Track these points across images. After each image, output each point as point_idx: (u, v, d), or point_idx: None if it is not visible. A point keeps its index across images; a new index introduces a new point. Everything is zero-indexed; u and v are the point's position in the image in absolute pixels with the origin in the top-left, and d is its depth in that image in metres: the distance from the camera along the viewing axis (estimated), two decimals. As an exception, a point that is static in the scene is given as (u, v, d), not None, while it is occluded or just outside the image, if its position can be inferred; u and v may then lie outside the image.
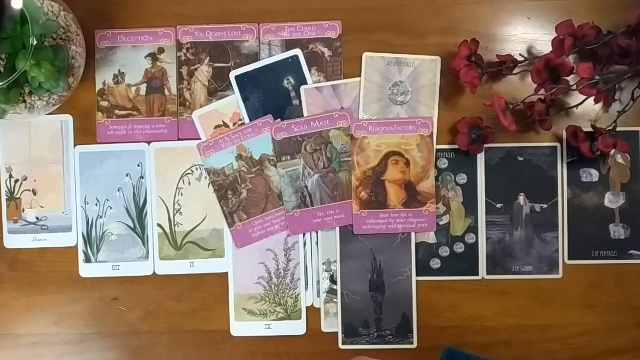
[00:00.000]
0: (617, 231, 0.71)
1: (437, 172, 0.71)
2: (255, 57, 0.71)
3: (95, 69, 0.72)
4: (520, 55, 0.69)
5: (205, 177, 0.72)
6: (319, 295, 0.71)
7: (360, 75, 0.71)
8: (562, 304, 0.71)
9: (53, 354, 0.72)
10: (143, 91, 0.72)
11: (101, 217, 0.72)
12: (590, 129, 0.68)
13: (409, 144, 0.70)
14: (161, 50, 0.72)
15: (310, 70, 0.71)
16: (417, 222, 0.71)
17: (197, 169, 0.72)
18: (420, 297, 0.71)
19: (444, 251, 0.71)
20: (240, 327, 0.72)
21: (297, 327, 0.71)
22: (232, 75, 0.71)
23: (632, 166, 0.71)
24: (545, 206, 0.71)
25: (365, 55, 0.71)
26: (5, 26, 0.56)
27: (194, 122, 0.72)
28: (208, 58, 0.72)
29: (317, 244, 0.71)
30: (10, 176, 0.72)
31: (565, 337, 0.71)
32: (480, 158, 0.71)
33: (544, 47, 0.70)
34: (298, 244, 0.72)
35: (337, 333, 0.71)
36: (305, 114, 0.71)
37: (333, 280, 0.71)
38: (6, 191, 0.72)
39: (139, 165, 0.72)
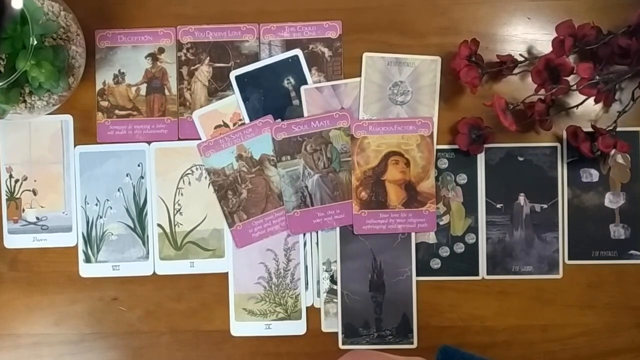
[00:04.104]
0: (617, 231, 0.71)
1: (437, 172, 0.71)
2: (255, 57, 0.71)
3: (95, 68, 0.72)
4: (520, 55, 0.69)
5: (205, 177, 0.72)
6: (319, 295, 0.71)
7: (360, 75, 0.71)
8: (562, 304, 0.71)
9: (53, 354, 0.72)
10: (143, 91, 0.72)
11: (101, 217, 0.72)
12: (590, 129, 0.68)
13: (409, 144, 0.70)
14: (161, 50, 0.72)
15: (310, 70, 0.71)
16: (417, 222, 0.71)
17: (197, 169, 0.72)
18: (420, 297, 0.71)
19: (444, 251, 0.71)
20: (240, 327, 0.72)
21: (297, 327, 0.71)
22: (232, 75, 0.71)
23: (632, 166, 0.71)
24: (545, 206, 0.71)
25: (365, 55, 0.71)
26: (5, 26, 0.56)
27: (194, 122, 0.72)
28: (208, 58, 0.72)
29: (317, 244, 0.71)
30: (10, 176, 0.72)
31: (565, 337, 0.71)
32: (480, 158, 0.71)
33: (544, 47, 0.70)
34: (298, 244, 0.72)
35: (337, 333, 0.71)
36: (305, 114, 0.71)
37: (333, 280, 0.71)
38: (6, 191, 0.72)
39: (139, 165, 0.72)
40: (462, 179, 0.71)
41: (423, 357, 0.55)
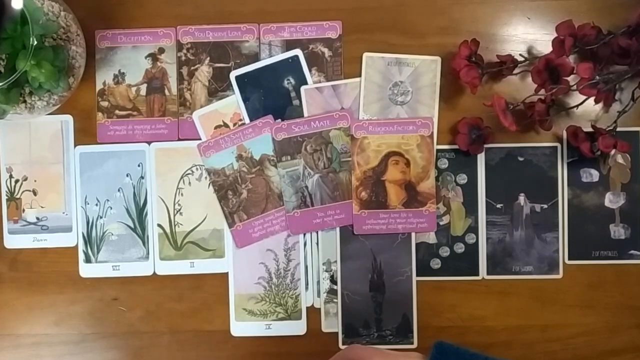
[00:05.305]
0: (617, 231, 0.71)
1: (437, 172, 0.71)
2: (255, 57, 0.71)
3: (95, 69, 0.72)
4: (520, 55, 0.69)
5: (205, 177, 0.72)
6: (319, 295, 0.71)
7: (360, 75, 0.71)
8: (562, 304, 0.71)
9: (53, 354, 0.72)
10: (143, 91, 0.72)
11: (101, 217, 0.72)
12: (590, 129, 0.68)
13: (409, 144, 0.70)
14: (161, 50, 0.72)
15: (310, 70, 0.71)
16: (417, 222, 0.71)
17: (197, 169, 0.72)
18: (420, 297, 0.71)
19: (444, 251, 0.71)
20: (240, 327, 0.72)
21: (297, 327, 0.72)
22: (232, 75, 0.71)
23: (632, 166, 0.71)
24: (545, 206, 0.71)
25: (365, 55, 0.71)
26: (5, 26, 0.56)
27: (194, 122, 0.72)
28: (208, 58, 0.72)
29: (317, 244, 0.71)
30: (10, 176, 0.72)
31: (565, 337, 0.71)
32: (480, 158, 0.71)
33: (544, 47, 0.70)
34: (298, 244, 0.72)
35: (337, 333, 0.71)
36: (305, 114, 0.71)
37: (333, 280, 0.71)
38: (6, 191, 0.72)
39: (139, 165, 0.72)
40: (462, 179, 0.71)
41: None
